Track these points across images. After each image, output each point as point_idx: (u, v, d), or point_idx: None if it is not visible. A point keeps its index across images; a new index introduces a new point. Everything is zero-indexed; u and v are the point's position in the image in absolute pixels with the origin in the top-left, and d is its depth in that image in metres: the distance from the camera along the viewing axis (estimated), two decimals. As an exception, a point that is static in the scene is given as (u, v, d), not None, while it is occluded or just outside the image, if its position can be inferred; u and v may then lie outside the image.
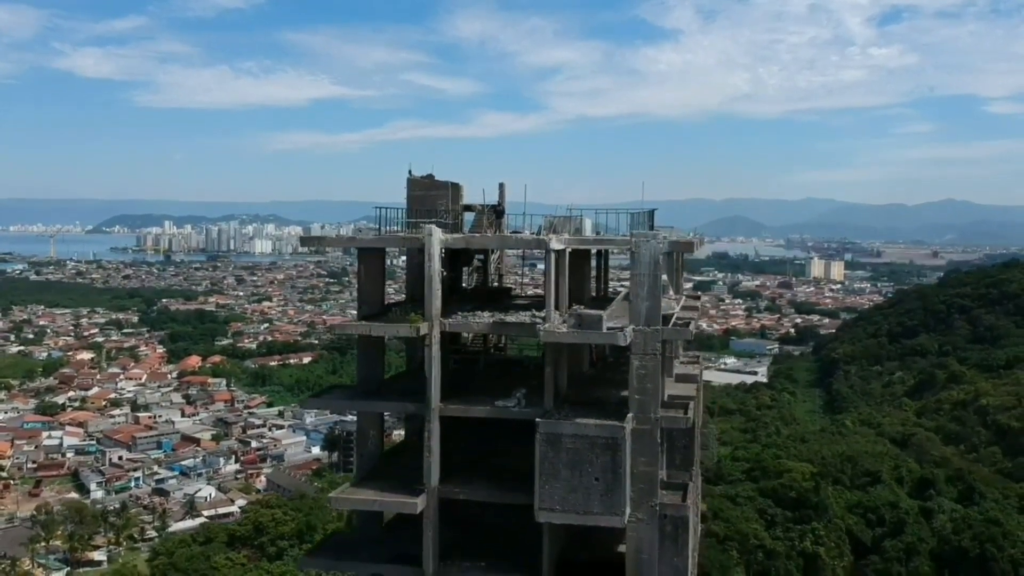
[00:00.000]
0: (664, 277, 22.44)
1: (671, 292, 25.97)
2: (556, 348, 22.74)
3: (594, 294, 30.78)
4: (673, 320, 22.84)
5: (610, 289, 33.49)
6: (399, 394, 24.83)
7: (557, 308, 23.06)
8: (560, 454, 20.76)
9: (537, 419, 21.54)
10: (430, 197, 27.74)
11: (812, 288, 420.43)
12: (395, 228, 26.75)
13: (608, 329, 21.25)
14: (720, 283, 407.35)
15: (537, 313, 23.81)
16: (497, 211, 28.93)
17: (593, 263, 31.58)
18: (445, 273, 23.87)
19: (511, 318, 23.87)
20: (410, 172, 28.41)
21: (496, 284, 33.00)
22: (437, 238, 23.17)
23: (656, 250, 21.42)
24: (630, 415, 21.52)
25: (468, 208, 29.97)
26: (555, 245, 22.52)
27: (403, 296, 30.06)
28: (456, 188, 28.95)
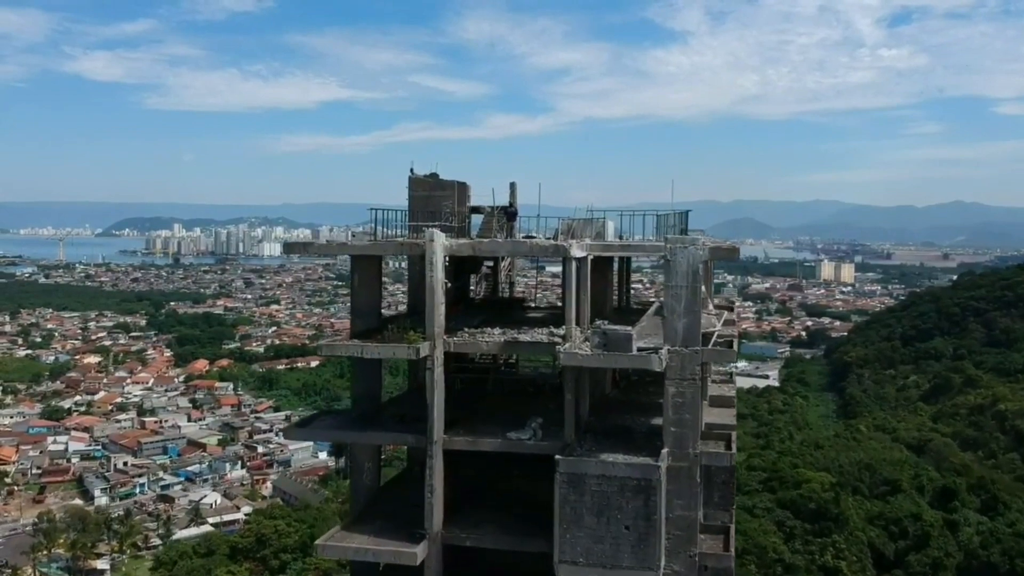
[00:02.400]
0: (703, 289, 19.57)
1: (709, 306, 23.01)
2: (577, 370, 19.84)
3: (615, 303, 27.80)
4: (713, 339, 19.87)
5: (631, 296, 30.53)
6: (398, 419, 21.93)
7: (578, 323, 20.15)
8: (584, 497, 17.80)
9: (557, 456, 18.57)
10: (434, 198, 24.97)
11: (822, 290, 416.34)
12: (396, 232, 23.94)
13: (639, 350, 18.34)
14: (730, 285, 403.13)
15: (555, 330, 20.88)
16: (508, 213, 25.86)
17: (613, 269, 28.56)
18: (449, 284, 20.97)
19: (525, 336, 20.90)
20: (412, 170, 25.65)
21: (507, 292, 30.11)
22: (440, 244, 20.26)
23: (695, 258, 18.45)
24: (665, 451, 18.53)
25: (476, 210, 27.12)
26: (576, 252, 19.62)
27: (405, 301, 27.25)
28: (463, 188, 26.12)
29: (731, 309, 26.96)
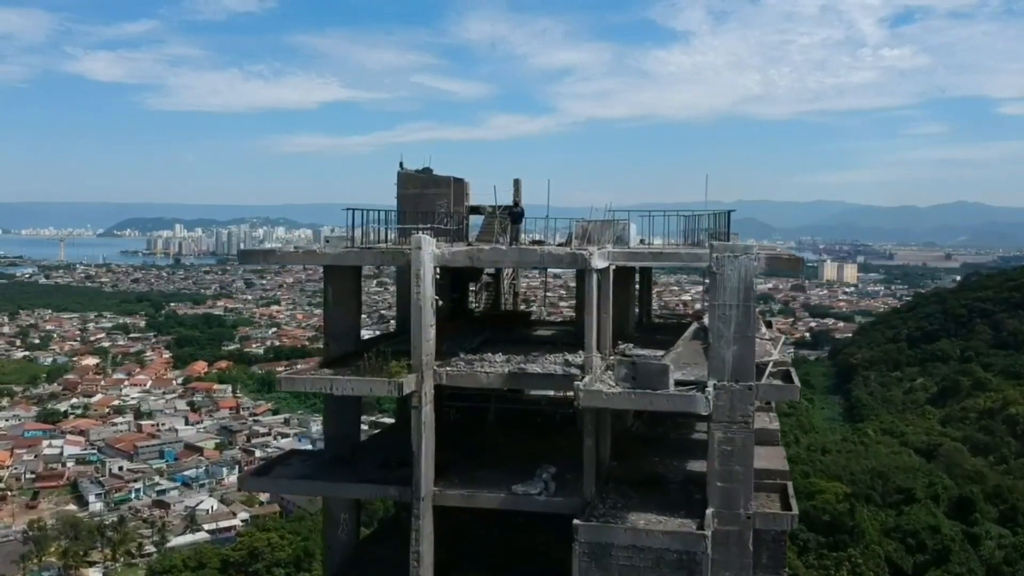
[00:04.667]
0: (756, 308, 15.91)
1: (762, 328, 19.36)
2: (598, 408, 16.20)
3: (637, 318, 24.14)
4: (768, 370, 16.27)
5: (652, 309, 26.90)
6: (380, 464, 18.34)
7: (598, 349, 16.55)
8: (609, 573, 14.28)
9: (575, 521, 14.95)
10: (427, 196, 21.51)
11: (825, 291, 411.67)
12: (387, 235, 20.40)
13: (678, 386, 14.77)
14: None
15: (571, 358, 17.25)
16: (513, 214, 22.06)
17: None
18: (440, 302, 17.36)
19: (535, 366, 17.15)
20: (401, 165, 22.18)
21: (510, 303, 26.54)
22: (429, 252, 16.57)
23: (749, 270, 14.88)
24: (710, 512, 14.94)
25: (475, 210, 23.63)
26: (597, 262, 16.02)
27: (393, 314, 23.72)
28: (460, 185, 22.60)
29: (770, 325, 23.29)
